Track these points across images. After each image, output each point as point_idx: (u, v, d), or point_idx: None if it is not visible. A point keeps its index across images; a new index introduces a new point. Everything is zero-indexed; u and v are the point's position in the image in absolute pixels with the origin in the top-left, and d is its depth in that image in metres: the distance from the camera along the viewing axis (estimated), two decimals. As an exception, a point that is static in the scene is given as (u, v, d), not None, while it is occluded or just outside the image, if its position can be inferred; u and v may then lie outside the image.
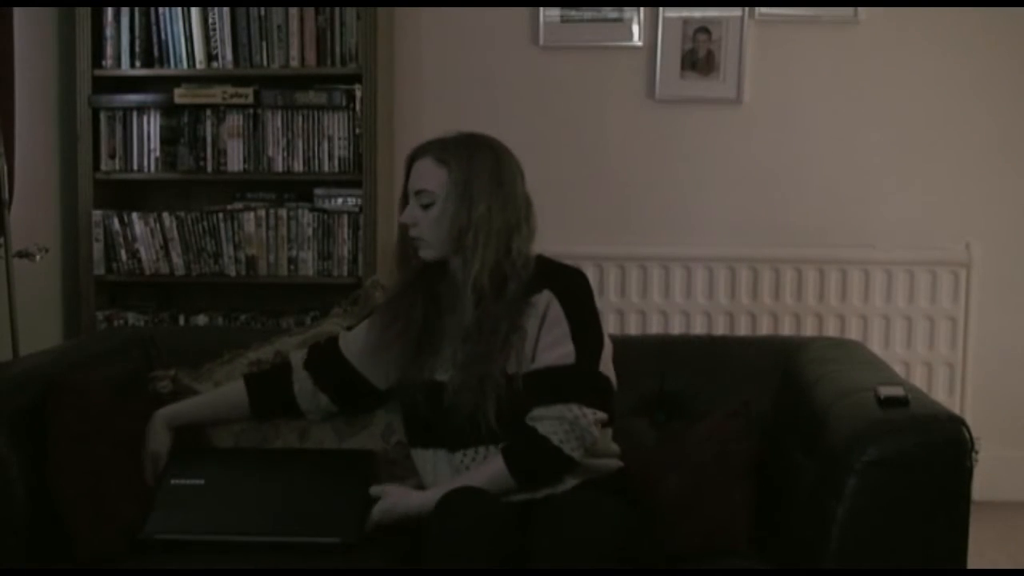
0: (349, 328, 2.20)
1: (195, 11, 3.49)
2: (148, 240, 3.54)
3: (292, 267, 3.54)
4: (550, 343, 1.95)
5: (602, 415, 1.95)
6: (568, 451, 1.90)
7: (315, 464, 2.13)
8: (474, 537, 1.76)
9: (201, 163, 3.54)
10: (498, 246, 1.97)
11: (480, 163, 1.99)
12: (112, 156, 3.56)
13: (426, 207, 1.99)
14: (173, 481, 2.08)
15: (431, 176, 1.99)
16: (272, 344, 2.31)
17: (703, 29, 3.64)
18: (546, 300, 1.97)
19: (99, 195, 3.55)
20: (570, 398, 1.91)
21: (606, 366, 2.02)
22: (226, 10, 3.48)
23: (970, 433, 1.75)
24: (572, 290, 1.99)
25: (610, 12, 3.65)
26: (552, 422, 1.90)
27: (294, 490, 2.05)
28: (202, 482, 2.07)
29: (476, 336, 1.95)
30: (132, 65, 3.53)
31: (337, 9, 3.47)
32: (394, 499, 1.98)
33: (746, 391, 2.22)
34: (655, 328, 3.64)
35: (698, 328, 3.63)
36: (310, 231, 3.52)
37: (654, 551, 1.92)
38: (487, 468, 1.93)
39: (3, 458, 1.90)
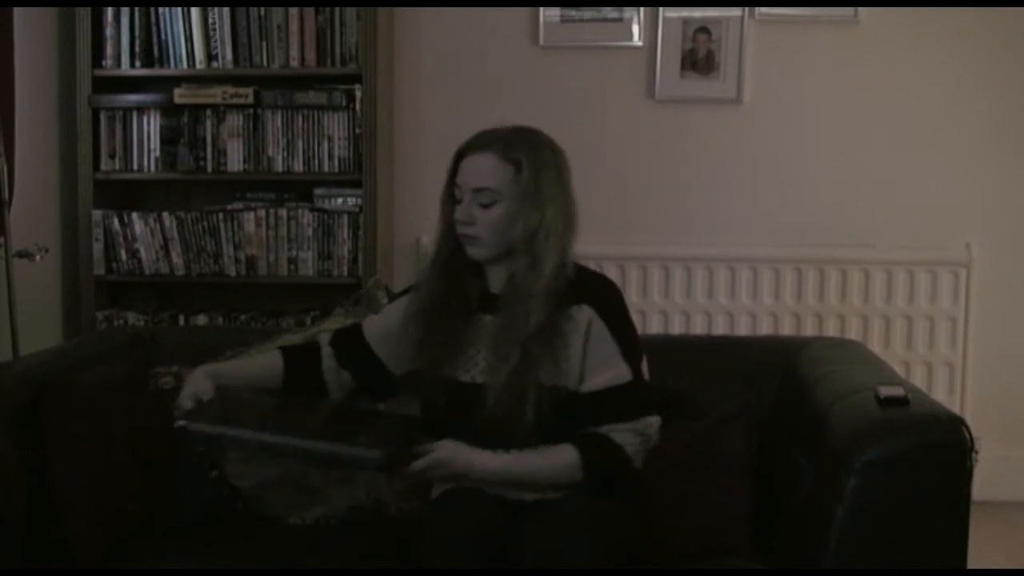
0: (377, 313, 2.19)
1: (195, 11, 3.49)
2: (148, 240, 3.54)
3: (292, 267, 3.54)
4: (601, 363, 1.94)
5: (658, 419, 1.98)
6: (636, 464, 1.93)
7: (366, 412, 2.09)
8: (469, 537, 1.76)
9: (201, 163, 3.54)
10: (561, 249, 1.95)
11: (548, 163, 1.95)
12: (112, 156, 3.56)
13: (486, 206, 1.93)
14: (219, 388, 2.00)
15: (495, 174, 1.92)
16: (274, 342, 2.31)
17: (703, 29, 3.64)
18: (587, 316, 1.94)
19: (99, 195, 3.55)
20: (636, 414, 1.94)
21: (646, 369, 2.04)
22: (226, 10, 3.48)
23: (970, 433, 1.75)
24: (611, 305, 1.98)
25: (610, 12, 3.65)
26: (626, 434, 1.92)
27: (342, 415, 1.99)
28: (252, 396, 2.00)
29: (532, 340, 1.91)
30: (132, 65, 3.52)
31: (337, 9, 3.47)
32: (451, 453, 1.88)
33: (746, 391, 2.22)
34: (655, 328, 3.64)
35: (698, 328, 3.63)
36: (310, 231, 3.52)
37: (653, 551, 1.92)
38: (555, 456, 1.89)
39: (3, 458, 1.90)
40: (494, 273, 2.02)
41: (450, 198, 2.00)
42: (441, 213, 2.02)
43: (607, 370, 1.93)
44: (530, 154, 1.94)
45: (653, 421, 1.96)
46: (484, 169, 1.93)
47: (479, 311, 2.00)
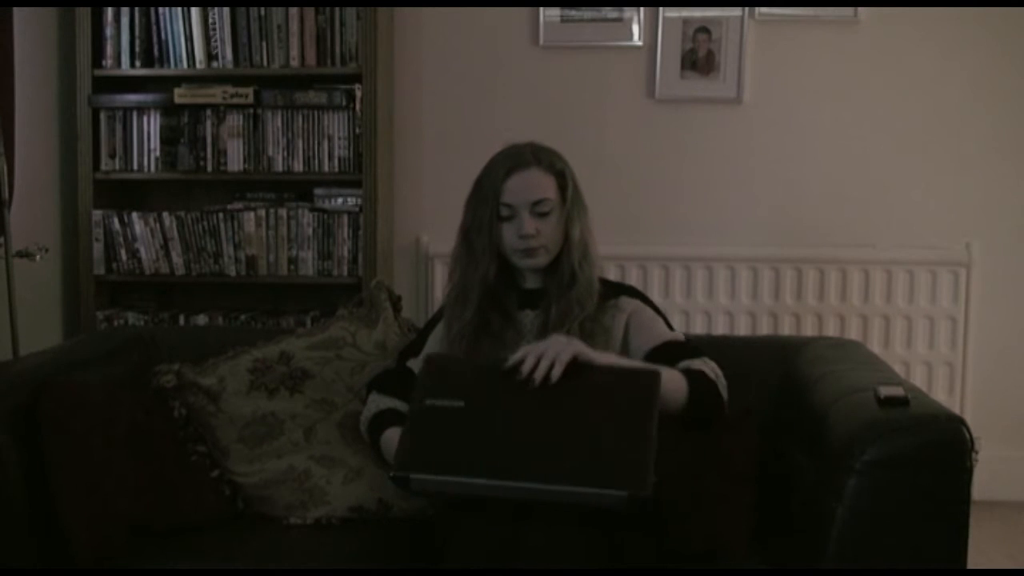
0: (408, 353, 2.19)
1: (195, 11, 3.49)
2: (148, 240, 3.54)
3: (292, 267, 3.54)
4: (654, 334, 2.08)
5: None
6: (720, 388, 1.98)
7: (592, 390, 1.83)
8: (492, 540, 1.77)
9: (201, 163, 3.54)
10: (596, 243, 2.15)
11: (571, 169, 2.15)
12: (112, 156, 3.56)
13: (545, 215, 2.07)
14: (428, 401, 1.80)
15: (546, 185, 2.08)
16: (278, 344, 2.31)
17: (703, 29, 3.64)
18: (633, 304, 2.14)
19: (99, 195, 3.55)
20: (701, 354, 2.03)
21: None
22: (226, 10, 3.48)
23: (970, 433, 1.75)
24: (646, 297, 2.20)
25: (610, 12, 3.65)
26: (701, 364, 1.99)
27: (568, 426, 1.77)
28: (462, 404, 1.80)
29: (588, 323, 2.06)
30: (132, 65, 3.53)
31: (337, 9, 3.47)
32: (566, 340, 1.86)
33: (746, 391, 2.22)
34: (655, 328, 3.64)
35: (698, 328, 3.63)
36: (310, 231, 3.52)
37: (655, 551, 1.92)
38: (667, 370, 1.89)
39: (3, 458, 1.90)
40: (527, 271, 2.14)
41: (487, 225, 2.06)
42: (473, 242, 2.08)
43: (661, 336, 2.08)
44: (564, 164, 2.14)
45: (713, 363, 2.02)
46: (537, 183, 2.08)
47: (519, 308, 2.12)
